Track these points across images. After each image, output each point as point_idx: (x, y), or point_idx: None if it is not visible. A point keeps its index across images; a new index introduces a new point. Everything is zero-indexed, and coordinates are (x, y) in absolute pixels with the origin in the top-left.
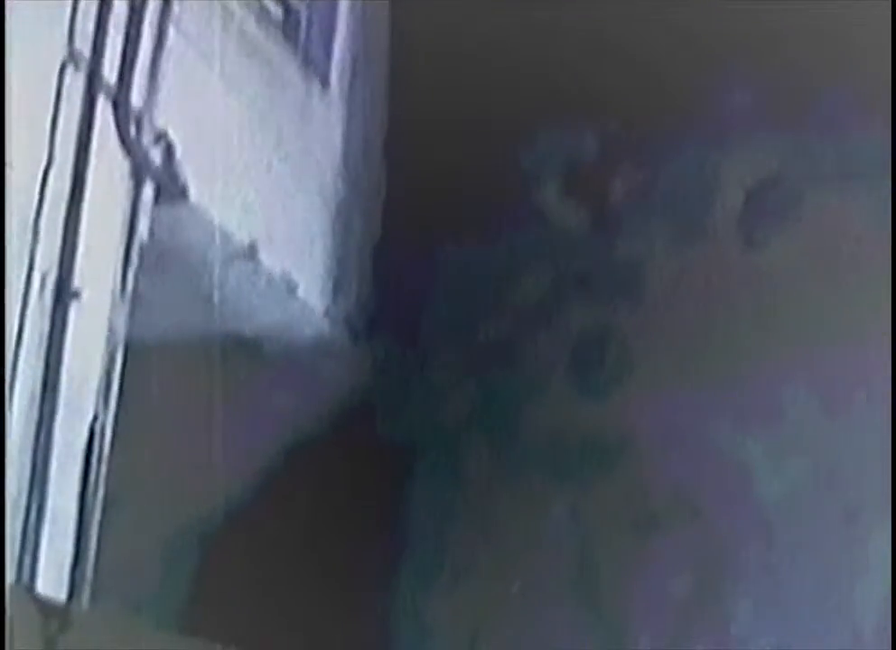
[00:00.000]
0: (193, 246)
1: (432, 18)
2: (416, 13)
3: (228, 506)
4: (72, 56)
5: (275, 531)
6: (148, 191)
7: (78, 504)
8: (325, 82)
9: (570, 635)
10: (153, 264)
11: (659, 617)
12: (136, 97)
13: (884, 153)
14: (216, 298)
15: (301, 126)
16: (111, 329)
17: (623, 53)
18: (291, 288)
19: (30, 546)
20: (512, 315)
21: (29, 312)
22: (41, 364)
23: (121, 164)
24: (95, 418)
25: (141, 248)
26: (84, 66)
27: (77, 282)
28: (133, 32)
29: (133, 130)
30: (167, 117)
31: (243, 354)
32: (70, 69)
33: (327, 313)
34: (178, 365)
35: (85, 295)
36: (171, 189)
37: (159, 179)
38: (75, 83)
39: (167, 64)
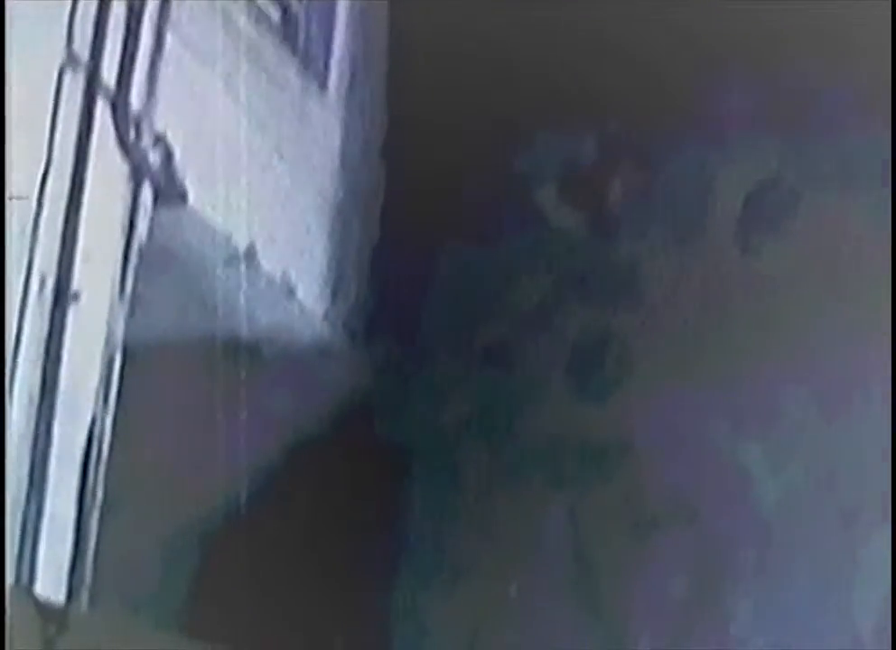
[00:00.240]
0: (192, 248)
1: (431, 19)
2: (415, 15)
3: (228, 507)
4: (71, 58)
5: (275, 532)
6: (147, 194)
7: (76, 505)
8: (324, 84)
9: (569, 636)
10: (151, 266)
11: (658, 619)
12: (135, 100)
13: (884, 155)
14: (214, 300)
15: (299, 128)
16: (110, 331)
17: (622, 54)
18: (289, 290)
19: (28, 548)
20: (511, 317)
21: (28, 314)
22: (39, 365)
23: (120, 167)
24: (93, 420)
25: (140, 250)
26: (83, 68)
27: (76, 284)
28: (132, 34)
29: (132, 132)
30: (166, 120)
31: (242, 356)
32: (68, 72)
33: (326, 315)
34: (177, 367)
35: (84, 297)
36: (169, 191)
37: (158, 181)
38: (74, 85)
39: (166, 67)
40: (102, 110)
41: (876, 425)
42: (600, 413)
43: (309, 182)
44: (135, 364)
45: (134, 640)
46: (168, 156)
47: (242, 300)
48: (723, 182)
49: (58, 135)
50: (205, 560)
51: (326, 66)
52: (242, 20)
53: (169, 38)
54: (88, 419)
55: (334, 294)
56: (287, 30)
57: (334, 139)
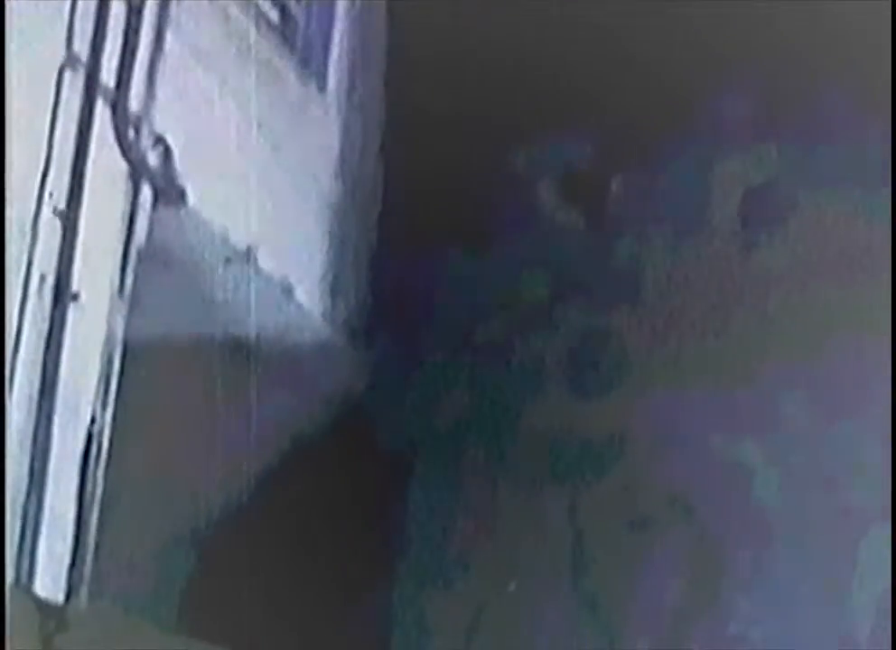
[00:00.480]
0: (191, 248)
1: (429, 21)
2: (414, 16)
3: (226, 505)
4: (71, 59)
5: (274, 530)
6: (146, 194)
7: (76, 504)
8: (322, 85)
9: (567, 634)
10: (151, 265)
11: (656, 618)
12: (134, 101)
13: (882, 155)
14: (213, 300)
15: (298, 129)
16: (109, 331)
17: (621, 54)
18: (288, 291)
19: (28, 546)
20: (510, 318)
21: (27, 314)
22: (39, 365)
23: (119, 167)
24: (93, 420)
25: (139, 250)
26: (82, 68)
27: (75, 283)
28: (131, 35)
29: (131, 133)
30: (165, 120)
31: (240, 355)
32: (68, 73)
33: (325, 315)
34: (176, 367)
35: (83, 297)
36: (169, 191)
37: (157, 182)
38: (73, 86)
39: (165, 67)
40: (101, 110)
41: (875, 425)
42: (598, 411)
43: (308, 182)
44: (135, 363)
45: (132, 638)
46: (167, 156)
47: (241, 300)
48: (722, 182)
49: (57, 135)
50: (204, 559)
51: (325, 66)
52: (241, 20)
53: (168, 38)
54: (88, 418)
55: (333, 294)
56: (286, 30)
57: (333, 139)
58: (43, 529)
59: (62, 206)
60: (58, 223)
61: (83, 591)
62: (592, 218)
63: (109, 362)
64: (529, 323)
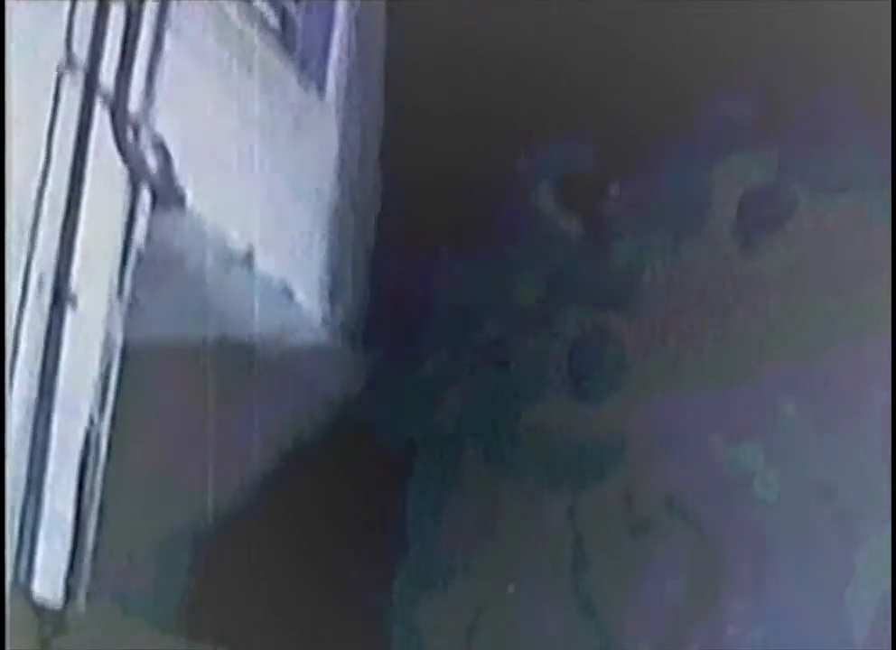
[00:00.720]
0: (190, 251)
1: (428, 24)
2: (412, 19)
3: (225, 508)
4: (69, 62)
5: (272, 532)
6: (145, 197)
7: (74, 506)
8: (321, 88)
9: (566, 636)
10: (149, 268)
11: (655, 620)
12: (133, 103)
13: (882, 156)
14: (212, 303)
15: (297, 133)
16: (108, 333)
17: (621, 57)
18: (288, 294)
19: (26, 548)
20: (508, 320)
21: (26, 316)
22: (37, 367)
23: (118, 169)
24: (91, 421)
25: (138, 253)
26: (81, 71)
27: (74, 285)
28: (130, 37)
29: (130, 135)
30: (164, 123)
31: (240, 358)
32: (67, 75)
33: (324, 319)
34: (174, 368)
35: (82, 299)
36: (168, 194)
37: (156, 184)
38: (72, 89)
39: (164, 70)
40: (100, 113)
41: (874, 428)
42: (597, 413)
43: (307, 184)
44: (133, 365)
45: (131, 640)
46: (166, 159)
47: (240, 302)
48: (721, 184)
49: (56, 138)
50: (202, 560)
51: (324, 68)
52: (240, 23)
53: (167, 41)
54: (86, 419)
55: (332, 296)
56: (285, 34)
57: (332, 142)
58: (42, 530)
59: (61, 208)
60: (57, 225)
61: (81, 592)
62: (590, 221)
63: (108, 364)
64: (528, 326)
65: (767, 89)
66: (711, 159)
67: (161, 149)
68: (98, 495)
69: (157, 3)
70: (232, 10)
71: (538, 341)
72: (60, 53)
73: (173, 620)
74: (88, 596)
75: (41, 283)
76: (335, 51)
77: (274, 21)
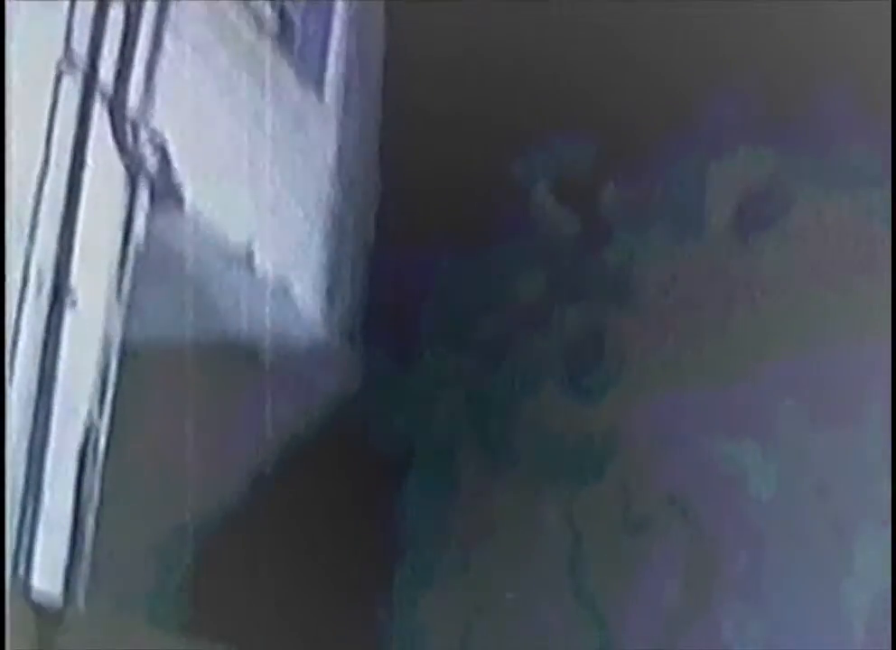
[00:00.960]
0: (189, 249)
1: (426, 26)
2: (411, 22)
3: (223, 506)
4: (69, 60)
5: (270, 532)
6: (144, 195)
7: (73, 503)
8: (320, 88)
9: (563, 634)
10: (148, 266)
11: (652, 617)
12: (132, 102)
13: (880, 155)
14: (211, 301)
15: (296, 132)
16: (106, 331)
17: (620, 57)
18: (285, 291)
19: (25, 545)
20: (507, 318)
21: (25, 314)
22: (37, 365)
23: (117, 168)
24: (90, 418)
25: (137, 251)
26: (81, 70)
27: (73, 283)
28: (129, 37)
29: (129, 134)
30: (163, 122)
31: (238, 356)
32: (66, 73)
33: (321, 316)
34: (172, 367)
35: (80, 298)
36: (166, 192)
37: (154, 182)
38: (72, 87)
39: (163, 69)
40: (99, 111)
41: (871, 427)
42: (595, 412)
43: (305, 186)
44: (132, 363)
45: (129, 638)
46: (165, 158)
47: (239, 301)
48: (720, 183)
49: (55, 136)
50: (201, 558)
51: (322, 68)
52: (240, 24)
53: (167, 41)
54: (85, 417)
55: (330, 295)
56: (284, 33)
57: (330, 141)
58: (41, 528)
59: (61, 207)
60: (56, 224)
61: (81, 590)
62: (588, 219)
63: (106, 362)
64: (526, 324)
65: (765, 89)
66: (709, 158)
67: (160, 148)
68: (96, 493)
69: (156, 3)
70: (231, 9)
71: (536, 339)
72: (59, 52)
73: (172, 618)
74: (87, 593)
75: (40, 282)
76: (334, 51)
77: (272, 20)
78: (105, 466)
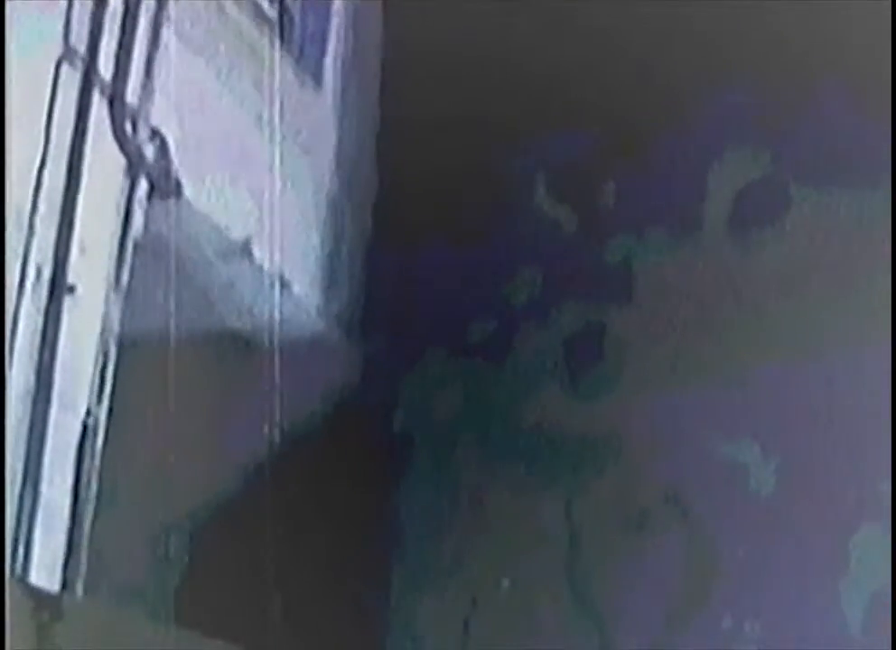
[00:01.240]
0: (187, 242)
1: (425, 19)
2: (410, 15)
3: (221, 499)
4: (68, 53)
5: (268, 527)
6: (143, 187)
7: (71, 496)
8: (318, 81)
9: (561, 632)
10: (147, 258)
11: (651, 616)
12: (132, 95)
13: (878, 154)
14: (209, 294)
15: (294, 126)
16: (105, 324)
17: (617, 54)
18: (284, 285)
19: (23, 538)
20: (505, 313)
21: (24, 306)
22: (35, 358)
23: (116, 160)
24: (88, 412)
25: (135, 243)
26: (80, 62)
27: (71, 276)
28: (128, 29)
29: (128, 126)
30: (162, 114)
31: (236, 349)
32: (65, 65)
33: (320, 311)
34: (171, 360)
35: (79, 290)
36: (165, 185)
37: (153, 175)
38: (70, 80)
39: (162, 62)
40: (98, 104)
41: (871, 425)
42: (594, 410)
43: (304, 176)
44: (130, 356)
45: (127, 630)
46: (164, 150)
47: (236, 293)
48: (718, 180)
49: (54, 128)
50: (198, 552)
51: (321, 61)
52: (238, 15)
53: (165, 32)
54: (83, 410)
55: (329, 289)
56: (283, 26)
57: (329, 135)
58: (39, 521)
59: (59, 199)
60: (55, 216)
61: (79, 584)
62: (587, 217)
63: (105, 355)
64: (525, 321)
65: (764, 86)
66: (707, 155)
67: (158, 140)
68: (95, 485)
69: None
70: (229, 3)
71: (535, 337)
72: (58, 45)
73: (170, 611)
74: (85, 587)
75: (38, 275)
76: (332, 44)
77: (271, 14)
78: (103, 458)
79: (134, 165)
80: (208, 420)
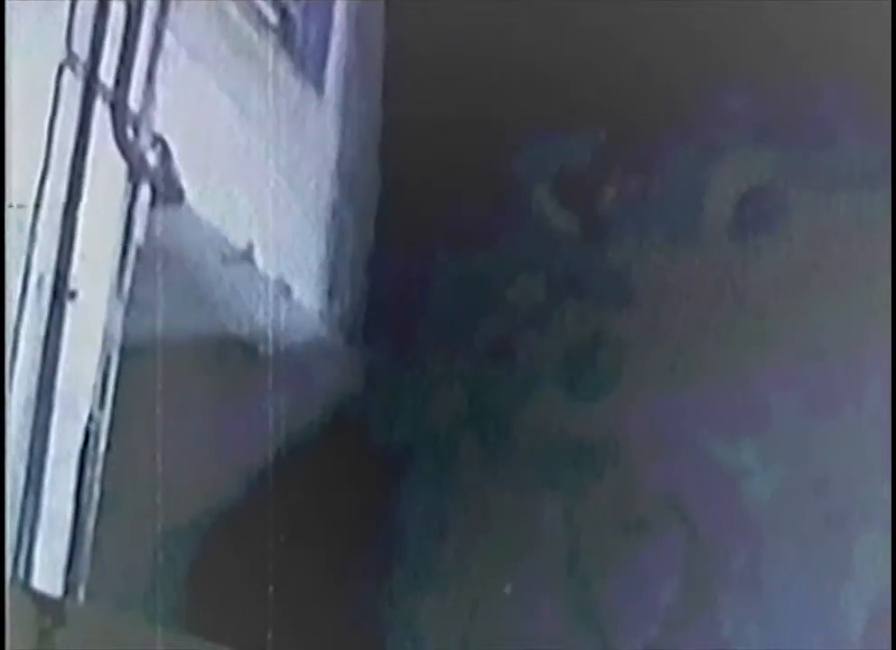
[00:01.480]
0: (189, 248)
1: (427, 23)
2: (412, 19)
3: (223, 504)
4: (70, 58)
5: (269, 531)
6: (145, 193)
7: (74, 502)
8: (320, 87)
9: (560, 636)
10: (149, 265)
11: (650, 619)
12: (133, 101)
13: (879, 157)
14: (211, 300)
15: (296, 131)
16: (107, 331)
17: (619, 56)
18: (285, 290)
19: (26, 544)
20: (506, 319)
21: (26, 312)
22: (37, 363)
23: (118, 166)
24: (90, 418)
25: (137, 250)
26: (81, 68)
27: (73, 282)
28: (130, 35)
29: (130, 132)
30: (164, 120)
31: (238, 355)
32: (67, 73)
33: (321, 316)
34: (173, 366)
35: (81, 296)
36: (167, 191)
37: (155, 181)
38: (72, 85)
39: (164, 68)
40: (100, 110)
41: (871, 426)
42: (594, 413)
43: (305, 182)
44: (132, 362)
45: (129, 635)
46: (166, 156)
47: (238, 299)
48: (719, 184)
49: (56, 135)
50: (200, 557)
51: (323, 67)
52: (240, 21)
53: (167, 39)
54: (86, 416)
55: (330, 294)
56: (285, 31)
57: (331, 140)
58: (41, 526)
59: (61, 205)
60: (57, 222)
61: (81, 589)
62: (588, 219)
63: (107, 361)
64: (525, 325)
65: (765, 88)
66: (708, 158)
67: (160, 146)
68: (97, 490)
69: (157, 1)
70: (232, 7)
71: (535, 341)
72: (60, 50)
73: (171, 616)
74: (88, 593)
75: (40, 280)
76: (334, 49)
77: (273, 18)
78: (105, 463)
79: (135, 171)
80: (210, 425)
